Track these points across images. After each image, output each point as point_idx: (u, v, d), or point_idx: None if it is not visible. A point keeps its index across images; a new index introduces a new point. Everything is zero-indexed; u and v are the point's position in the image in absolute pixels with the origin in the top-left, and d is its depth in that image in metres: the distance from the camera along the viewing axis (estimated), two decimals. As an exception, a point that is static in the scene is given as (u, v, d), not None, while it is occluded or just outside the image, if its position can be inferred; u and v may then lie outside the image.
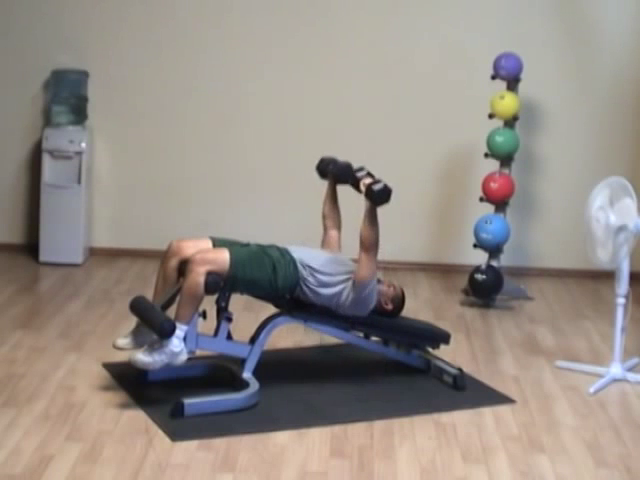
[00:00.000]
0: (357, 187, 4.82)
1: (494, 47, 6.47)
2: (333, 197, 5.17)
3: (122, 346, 4.68)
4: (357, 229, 4.74)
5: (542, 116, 6.92)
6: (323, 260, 4.82)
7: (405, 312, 5.04)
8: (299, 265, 4.75)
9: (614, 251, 5.07)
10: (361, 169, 4.90)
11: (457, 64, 6.89)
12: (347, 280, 4.77)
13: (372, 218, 4.70)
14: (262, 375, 4.67)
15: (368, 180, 4.76)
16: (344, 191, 5.09)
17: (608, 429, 4.57)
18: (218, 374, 4.88)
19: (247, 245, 4.84)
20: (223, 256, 4.60)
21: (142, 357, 4.46)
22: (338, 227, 5.17)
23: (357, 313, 4.84)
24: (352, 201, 4.96)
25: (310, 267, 4.75)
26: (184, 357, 4.51)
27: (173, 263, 4.71)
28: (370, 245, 4.70)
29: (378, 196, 4.67)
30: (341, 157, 5.17)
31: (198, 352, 4.65)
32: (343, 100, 6.97)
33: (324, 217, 5.18)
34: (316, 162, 5.22)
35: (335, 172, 5.12)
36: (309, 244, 5.05)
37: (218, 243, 4.77)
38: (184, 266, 4.61)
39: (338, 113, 6.97)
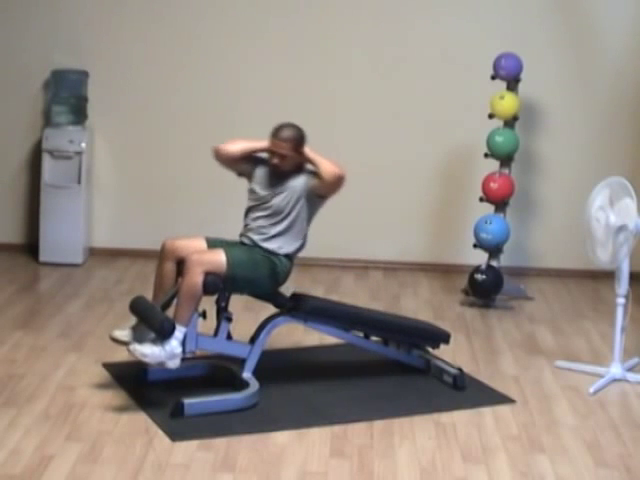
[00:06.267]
0: None
1: (494, 47, 6.47)
2: None
3: (118, 337, 4.67)
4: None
5: (542, 116, 6.91)
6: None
7: (405, 312, 5.04)
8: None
9: (614, 251, 5.07)
10: None
11: (457, 64, 6.89)
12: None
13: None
14: (262, 375, 4.67)
15: None
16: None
17: (608, 429, 4.57)
18: (218, 374, 4.87)
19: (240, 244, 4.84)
20: (219, 256, 4.61)
21: (141, 347, 4.45)
22: None
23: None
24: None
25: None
26: (178, 362, 4.50)
27: (170, 265, 4.71)
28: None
29: None
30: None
31: (198, 352, 4.65)
32: (343, 100, 6.96)
33: None
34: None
35: None
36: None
37: (212, 243, 4.77)
38: (181, 266, 4.62)
39: (338, 113, 6.97)
